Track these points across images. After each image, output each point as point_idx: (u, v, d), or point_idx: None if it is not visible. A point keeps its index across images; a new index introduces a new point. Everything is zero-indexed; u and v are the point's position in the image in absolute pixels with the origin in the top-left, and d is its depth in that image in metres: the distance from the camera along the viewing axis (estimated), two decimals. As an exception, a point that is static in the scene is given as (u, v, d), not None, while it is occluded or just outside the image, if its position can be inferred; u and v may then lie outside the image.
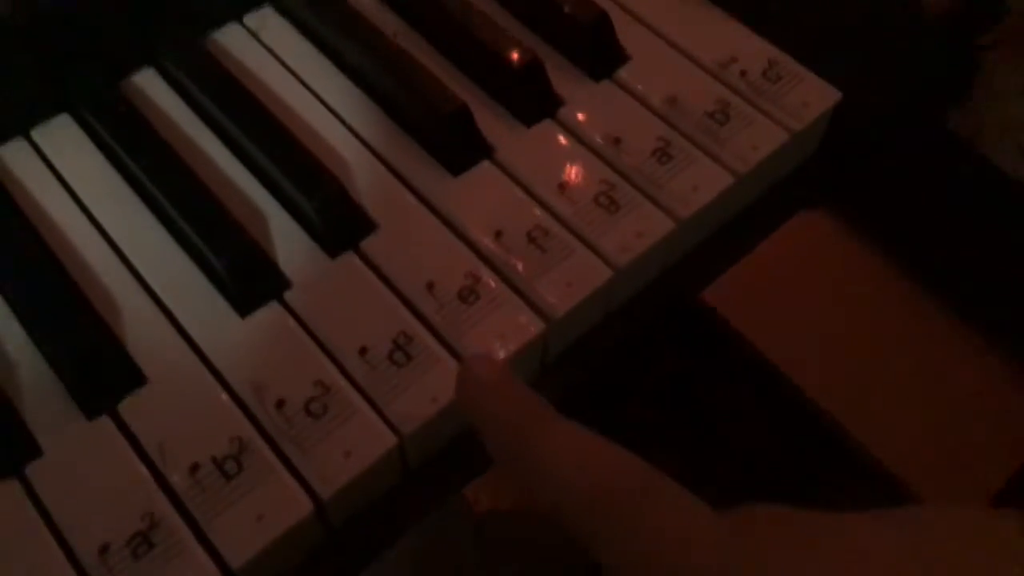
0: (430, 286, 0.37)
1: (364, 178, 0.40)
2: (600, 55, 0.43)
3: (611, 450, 0.28)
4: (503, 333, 0.36)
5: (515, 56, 0.42)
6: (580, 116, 0.42)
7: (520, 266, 0.38)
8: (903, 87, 0.46)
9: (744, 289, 0.70)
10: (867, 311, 0.75)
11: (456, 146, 0.41)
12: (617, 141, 0.41)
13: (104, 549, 0.32)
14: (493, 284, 0.37)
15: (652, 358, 0.80)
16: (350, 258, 0.38)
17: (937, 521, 0.26)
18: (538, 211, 0.39)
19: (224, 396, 0.35)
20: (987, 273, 0.72)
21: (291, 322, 0.37)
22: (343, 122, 0.43)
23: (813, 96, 0.42)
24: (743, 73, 0.43)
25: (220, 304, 0.37)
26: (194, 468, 0.33)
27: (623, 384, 0.80)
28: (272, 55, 0.45)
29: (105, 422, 0.35)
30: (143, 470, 0.33)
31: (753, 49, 0.44)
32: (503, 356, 0.36)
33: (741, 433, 0.80)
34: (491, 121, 0.42)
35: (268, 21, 0.46)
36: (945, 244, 0.72)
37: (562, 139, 0.41)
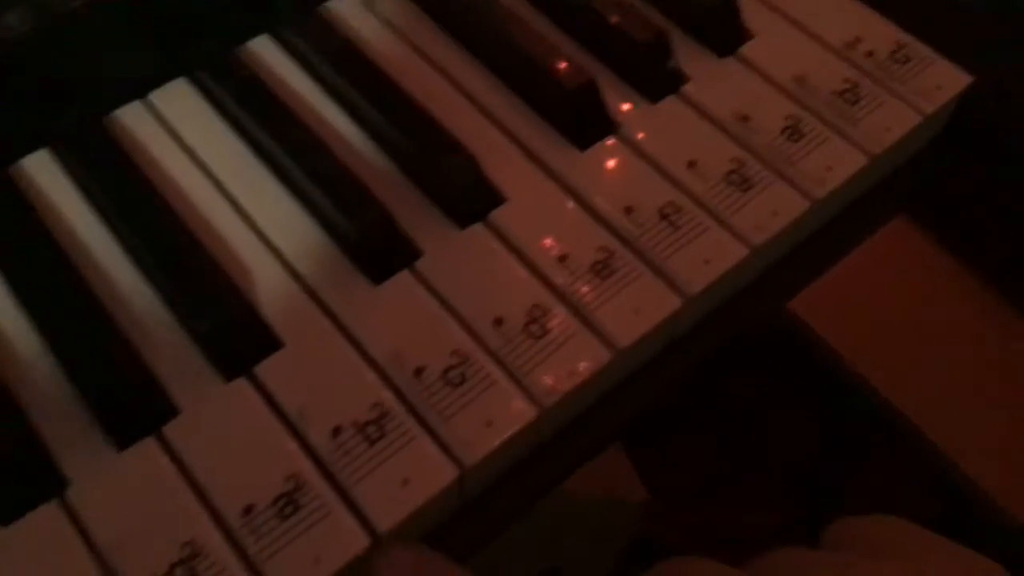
0: (562, 259, 0.37)
1: (492, 151, 0.40)
2: (724, 31, 0.43)
3: None
4: (638, 308, 0.36)
5: (640, 31, 0.42)
6: (706, 93, 0.42)
7: (654, 242, 0.37)
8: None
9: (832, 299, 0.70)
10: (952, 321, 0.73)
11: (583, 121, 0.40)
12: (745, 119, 0.41)
13: (248, 510, 0.32)
14: (627, 259, 0.37)
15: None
16: (479, 229, 0.38)
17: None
18: (669, 188, 0.39)
19: (362, 362, 0.35)
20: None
21: (424, 291, 0.36)
22: (466, 95, 0.42)
23: (944, 79, 0.41)
24: (870, 54, 0.42)
25: (352, 271, 0.37)
26: (336, 431, 0.33)
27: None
28: (387, 25, 0.45)
29: (243, 384, 0.35)
30: (285, 432, 0.33)
31: (879, 30, 0.43)
32: (639, 331, 0.36)
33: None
34: (615, 97, 0.42)
35: (384, -10, 0.46)
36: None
37: (688, 116, 0.41)
